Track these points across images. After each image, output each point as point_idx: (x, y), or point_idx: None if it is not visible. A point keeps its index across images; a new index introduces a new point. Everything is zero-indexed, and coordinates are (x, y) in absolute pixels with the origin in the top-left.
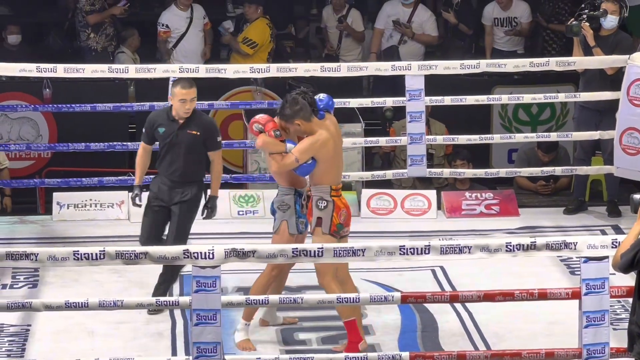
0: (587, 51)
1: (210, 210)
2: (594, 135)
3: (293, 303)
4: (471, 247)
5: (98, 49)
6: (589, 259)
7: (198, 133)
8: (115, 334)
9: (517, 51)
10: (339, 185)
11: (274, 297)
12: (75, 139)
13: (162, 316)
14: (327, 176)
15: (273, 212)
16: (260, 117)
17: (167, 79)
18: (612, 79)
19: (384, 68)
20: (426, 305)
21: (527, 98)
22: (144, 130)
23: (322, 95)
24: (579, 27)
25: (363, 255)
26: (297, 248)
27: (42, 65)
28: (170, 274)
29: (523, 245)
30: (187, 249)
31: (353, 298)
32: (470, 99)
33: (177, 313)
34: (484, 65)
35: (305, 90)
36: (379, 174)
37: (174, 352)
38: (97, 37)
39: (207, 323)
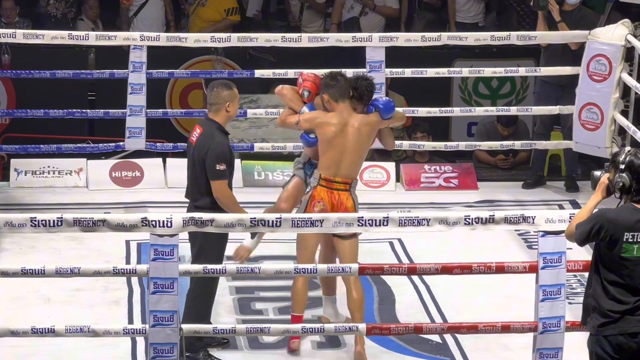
0: (552, 26)
1: None
2: (554, 110)
3: (250, 273)
4: (430, 219)
5: (58, 16)
6: (546, 233)
7: None
8: (72, 301)
9: (478, 23)
10: (330, 177)
11: (231, 267)
12: (34, 105)
13: (119, 284)
14: (320, 161)
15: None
16: (308, 74)
17: (128, 47)
18: (576, 54)
19: (345, 39)
20: (384, 277)
21: (488, 72)
22: (224, 166)
23: (385, 98)
24: (546, 1)
25: (321, 226)
26: (255, 217)
27: (1, 31)
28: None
29: (482, 218)
30: (145, 217)
31: (311, 269)
32: (431, 72)
33: (134, 281)
34: (445, 38)
35: (367, 78)
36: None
37: (131, 320)
38: (56, 3)
39: (164, 291)
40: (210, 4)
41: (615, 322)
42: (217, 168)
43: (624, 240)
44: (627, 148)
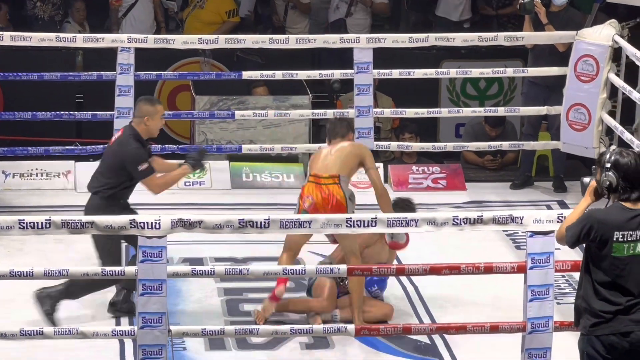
0: (538, 28)
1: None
2: (542, 110)
3: (239, 274)
4: (418, 220)
5: (45, 18)
6: (535, 233)
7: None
8: (60, 303)
9: (463, 24)
10: (318, 173)
11: (219, 268)
12: (21, 107)
13: None
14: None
15: None
16: None
17: (115, 49)
18: (563, 55)
19: (332, 40)
20: None
21: (475, 72)
22: (147, 165)
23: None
24: (532, 4)
25: (309, 227)
26: (243, 219)
27: None
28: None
29: (470, 219)
30: (134, 219)
31: (299, 270)
32: (419, 73)
33: None
34: (433, 39)
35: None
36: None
37: (118, 322)
38: (43, 5)
39: (152, 293)
40: (208, 6)
41: (607, 322)
42: (140, 169)
43: (614, 239)
44: (612, 147)
